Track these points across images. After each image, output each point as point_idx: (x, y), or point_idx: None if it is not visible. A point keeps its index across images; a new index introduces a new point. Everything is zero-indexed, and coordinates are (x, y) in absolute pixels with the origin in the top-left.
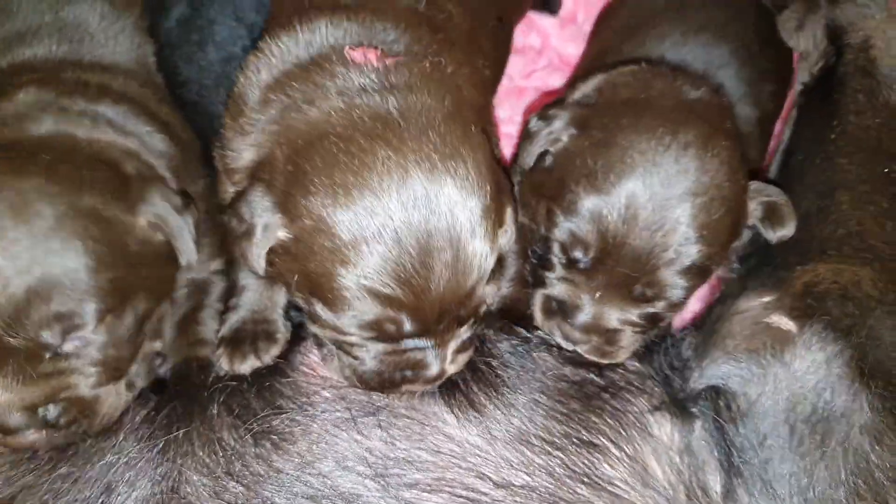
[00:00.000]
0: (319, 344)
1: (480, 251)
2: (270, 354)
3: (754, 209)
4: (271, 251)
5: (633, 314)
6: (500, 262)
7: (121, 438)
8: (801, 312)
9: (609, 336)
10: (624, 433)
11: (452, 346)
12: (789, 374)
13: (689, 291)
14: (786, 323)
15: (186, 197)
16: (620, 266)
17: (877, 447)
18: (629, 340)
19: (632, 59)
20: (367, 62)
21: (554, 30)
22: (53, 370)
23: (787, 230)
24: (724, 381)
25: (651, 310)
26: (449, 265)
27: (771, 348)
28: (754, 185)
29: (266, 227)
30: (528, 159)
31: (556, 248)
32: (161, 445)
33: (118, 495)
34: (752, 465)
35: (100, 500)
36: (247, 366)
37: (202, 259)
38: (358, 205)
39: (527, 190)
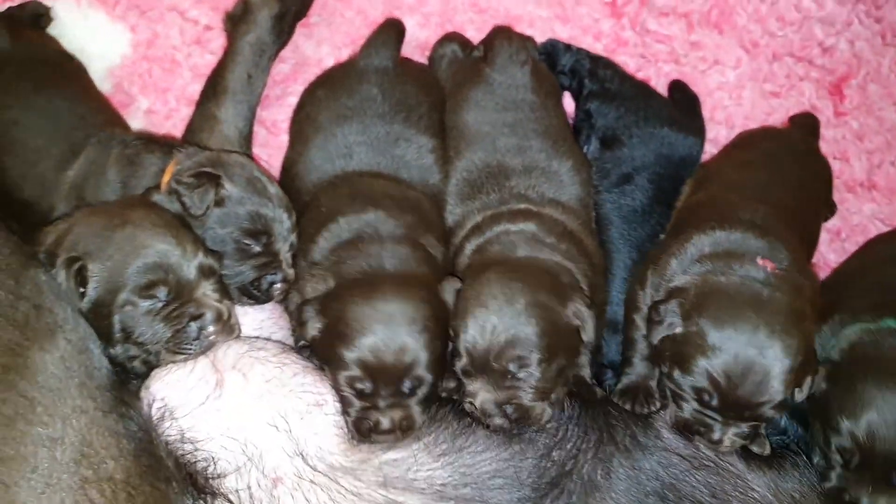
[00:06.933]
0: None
1: (777, 387)
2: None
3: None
4: (664, 339)
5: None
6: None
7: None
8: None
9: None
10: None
11: (732, 431)
12: None
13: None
14: None
15: (592, 302)
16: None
17: None
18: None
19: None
20: (765, 268)
21: (824, 242)
22: (511, 385)
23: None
24: None
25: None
26: (757, 382)
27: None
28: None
29: (671, 324)
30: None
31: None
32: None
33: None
34: None
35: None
36: (636, 409)
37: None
38: (725, 333)
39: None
